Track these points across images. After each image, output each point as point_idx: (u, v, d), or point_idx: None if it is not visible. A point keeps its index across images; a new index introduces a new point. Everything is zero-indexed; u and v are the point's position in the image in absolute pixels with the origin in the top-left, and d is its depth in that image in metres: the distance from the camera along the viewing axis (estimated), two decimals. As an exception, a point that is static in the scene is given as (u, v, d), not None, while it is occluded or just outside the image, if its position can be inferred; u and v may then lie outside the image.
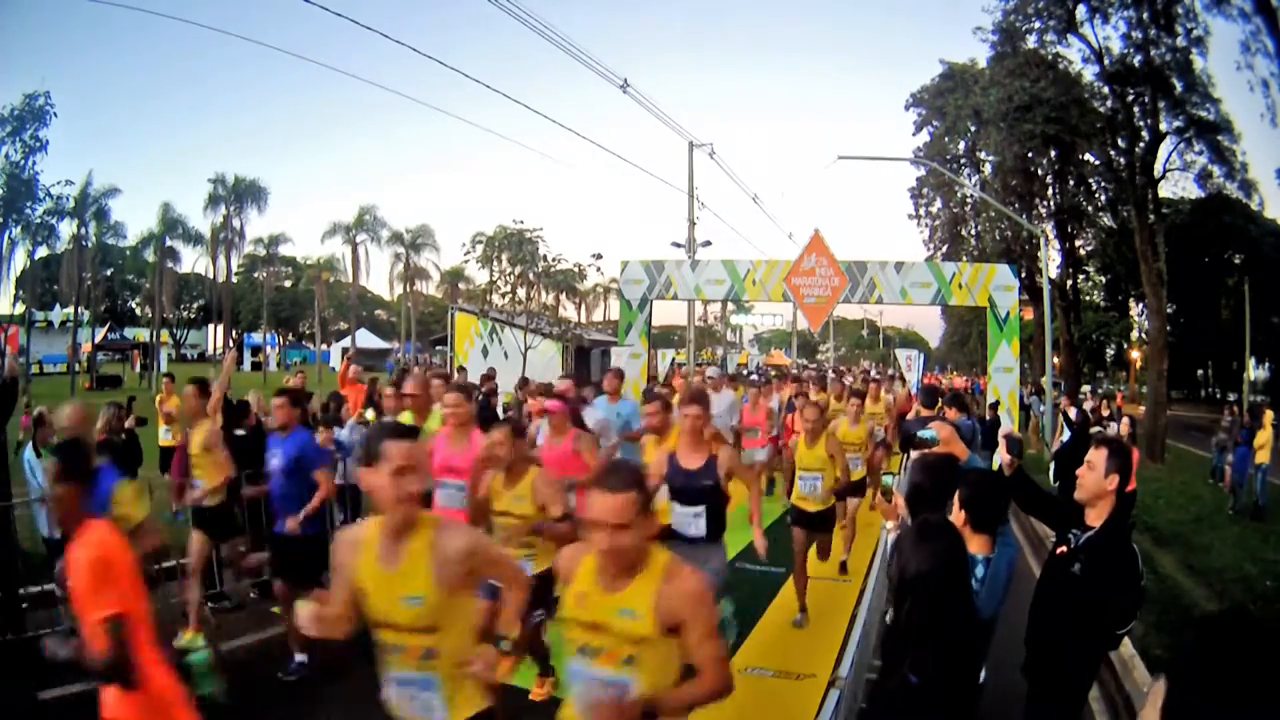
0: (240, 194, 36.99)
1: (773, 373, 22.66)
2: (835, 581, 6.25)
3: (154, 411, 8.93)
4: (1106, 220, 23.20)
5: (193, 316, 53.63)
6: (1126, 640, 3.90)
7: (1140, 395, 27.68)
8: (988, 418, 11.36)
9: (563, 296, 19.92)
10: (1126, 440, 7.62)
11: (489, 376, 10.30)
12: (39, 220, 27.38)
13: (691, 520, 3.96)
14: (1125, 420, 8.48)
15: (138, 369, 35.76)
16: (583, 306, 40.91)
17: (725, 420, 8.13)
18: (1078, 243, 24.29)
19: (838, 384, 12.74)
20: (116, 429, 6.29)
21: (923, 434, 3.48)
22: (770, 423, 9.12)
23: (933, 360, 51.60)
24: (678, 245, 19.18)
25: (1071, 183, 22.18)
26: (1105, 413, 8.52)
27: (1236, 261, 28.65)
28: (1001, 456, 3.29)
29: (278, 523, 4.51)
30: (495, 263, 17.18)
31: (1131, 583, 2.68)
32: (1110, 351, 38.76)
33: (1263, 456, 10.60)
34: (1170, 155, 17.83)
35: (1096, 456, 2.78)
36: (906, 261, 14.07)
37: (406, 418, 4.79)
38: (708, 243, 19.77)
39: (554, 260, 17.35)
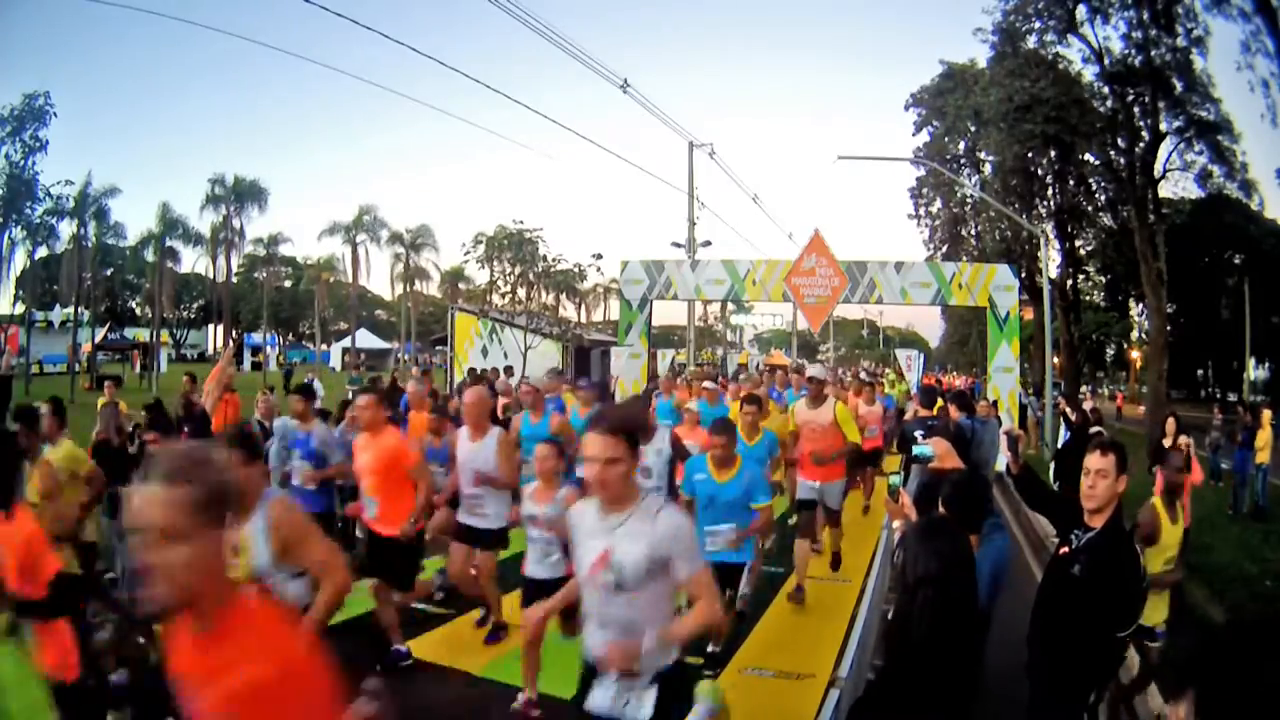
0: (240, 194, 36.92)
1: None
2: (835, 582, 6.25)
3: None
4: (1106, 220, 23.22)
5: (193, 316, 53.63)
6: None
7: (1140, 395, 27.68)
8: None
9: (563, 296, 19.95)
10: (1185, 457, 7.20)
11: (480, 377, 10.27)
12: (39, 220, 27.36)
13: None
14: (1187, 441, 7.58)
15: (138, 369, 35.71)
16: (583, 306, 40.88)
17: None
18: (1078, 243, 24.32)
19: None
20: (116, 430, 6.25)
21: (919, 450, 3.50)
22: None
23: (932, 360, 51.58)
24: (678, 245, 19.18)
25: (1071, 183, 22.19)
26: (1174, 438, 7.34)
27: (1236, 261, 28.67)
28: (1004, 454, 3.30)
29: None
30: (495, 263, 17.20)
31: (1131, 585, 2.65)
32: (1110, 351, 38.77)
33: (1263, 457, 10.59)
34: (1170, 155, 17.87)
35: (1106, 464, 2.71)
36: (906, 261, 14.08)
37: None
38: (708, 243, 19.77)
39: (554, 260, 17.36)
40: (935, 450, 3.42)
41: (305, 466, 5.09)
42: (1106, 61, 16.82)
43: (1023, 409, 14.27)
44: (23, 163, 24.43)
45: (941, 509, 2.79)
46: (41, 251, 31.15)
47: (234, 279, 42.29)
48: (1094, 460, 2.75)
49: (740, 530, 4.34)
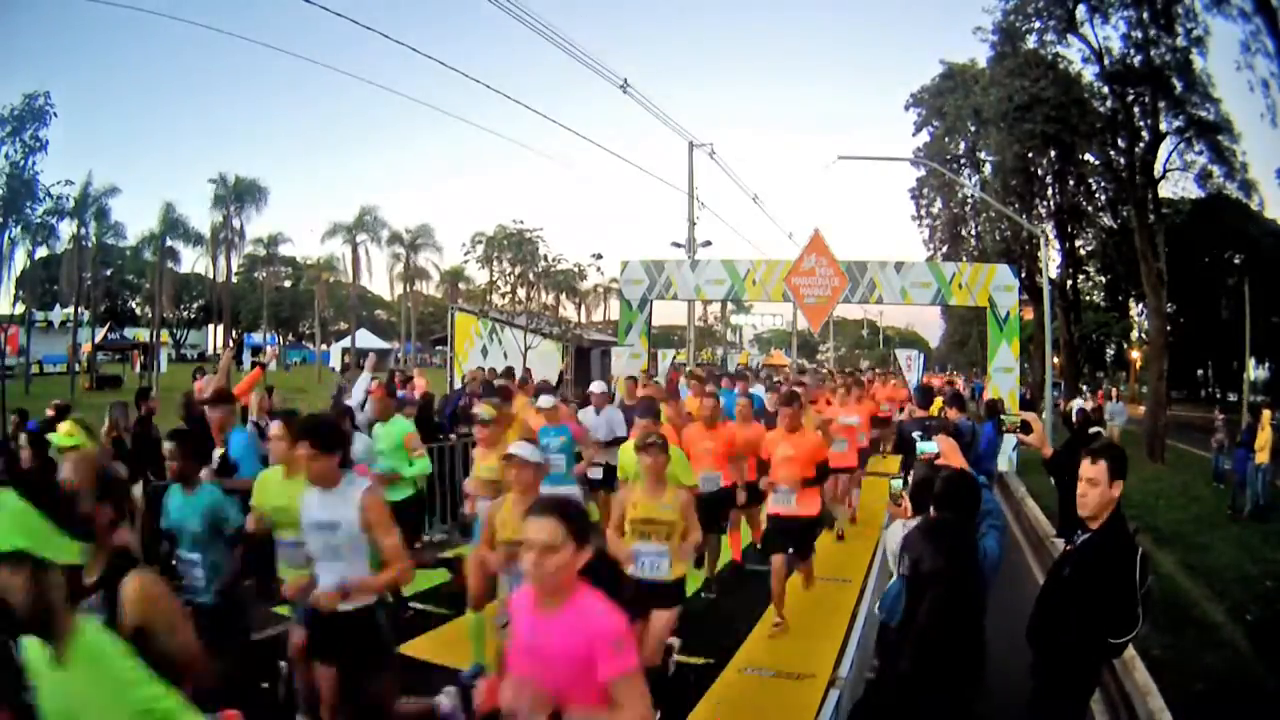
0: (240, 194, 36.97)
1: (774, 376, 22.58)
2: (835, 582, 6.25)
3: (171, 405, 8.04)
4: (1106, 220, 23.23)
5: (193, 316, 53.55)
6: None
7: (1140, 395, 27.69)
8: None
9: (563, 296, 19.95)
10: None
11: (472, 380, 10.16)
12: (39, 220, 27.42)
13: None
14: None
15: (138, 369, 35.72)
16: (583, 306, 40.91)
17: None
18: (1078, 243, 24.33)
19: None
20: (125, 428, 6.23)
21: (923, 446, 3.51)
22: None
23: (932, 360, 51.56)
24: (678, 245, 19.14)
25: (1071, 183, 22.18)
26: None
27: (1236, 261, 28.64)
28: (1033, 438, 3.37)
29: None
30: (495, 263, 17.19)
31: (1124, 591, 2.59)
32: (1110, 351, 38.74)
33: (1262, 457, 10.60)
34: (1170, 155, 17.83)
35: (1097, 471, 2.66)
36: (906, 261, 14.09)
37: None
38: (708, 243, 19.71)
39: (554, 260, 17.35)
40: (940, 447, 3.42)
41: None
42: (1106, 61, 16.80)
43: (1024, 409, 14.30)
44: (23, 163, 24.48)
45: (933, 511, 2.78)
46: (41, 251, 31.28)
47: (234, 279, 42.32)
48: (1085, 468, 2.70)
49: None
